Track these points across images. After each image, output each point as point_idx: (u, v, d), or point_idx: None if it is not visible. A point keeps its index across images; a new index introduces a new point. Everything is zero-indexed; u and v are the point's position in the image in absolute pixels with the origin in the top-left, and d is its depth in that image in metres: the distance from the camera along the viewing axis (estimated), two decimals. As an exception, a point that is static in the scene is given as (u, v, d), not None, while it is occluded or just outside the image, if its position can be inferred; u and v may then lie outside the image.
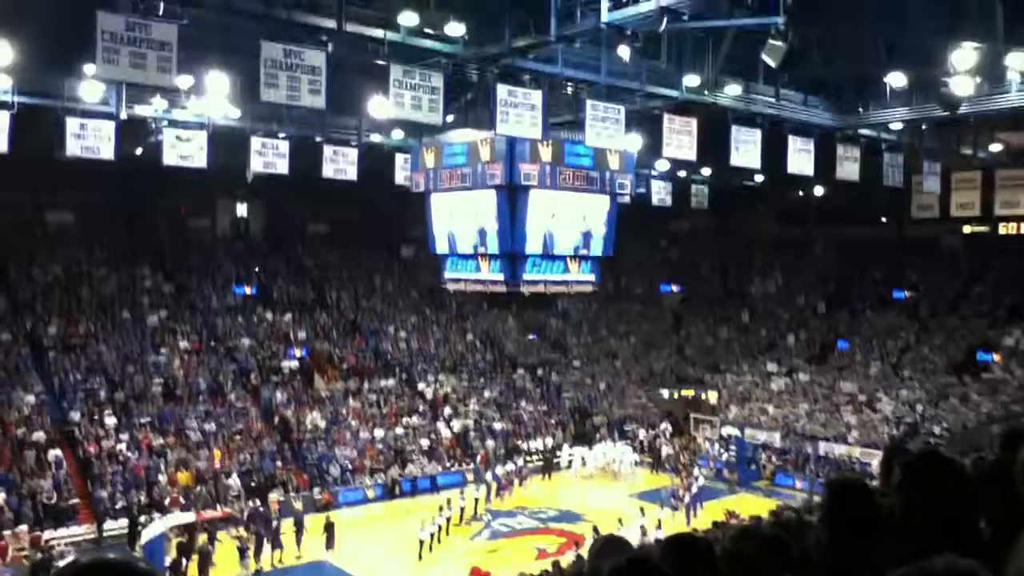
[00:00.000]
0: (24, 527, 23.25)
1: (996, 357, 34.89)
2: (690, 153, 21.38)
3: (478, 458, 33.14)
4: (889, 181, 26.25)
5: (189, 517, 24.96)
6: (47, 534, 23.50)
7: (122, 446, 27.96)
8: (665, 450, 35.34)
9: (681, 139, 20.96)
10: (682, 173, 33.25)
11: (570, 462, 34.13)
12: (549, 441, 35.56)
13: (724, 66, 21.29)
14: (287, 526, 24.39)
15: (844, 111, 24.54)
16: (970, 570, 1.76)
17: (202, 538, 23.32)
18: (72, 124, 20.38)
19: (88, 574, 1.20)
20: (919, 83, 21.64)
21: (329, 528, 24.28)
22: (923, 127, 25.28)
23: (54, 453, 26.75)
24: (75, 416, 28.71)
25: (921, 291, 41.03)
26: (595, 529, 23.37)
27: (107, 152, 20.86)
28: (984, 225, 39.29)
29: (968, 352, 35.86)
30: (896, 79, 21.88)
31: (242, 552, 22.41)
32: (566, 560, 19.45)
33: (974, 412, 31.85)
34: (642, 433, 36.86)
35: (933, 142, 26.81)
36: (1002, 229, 39.57)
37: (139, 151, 25.52)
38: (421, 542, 24.13)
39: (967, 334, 37.05)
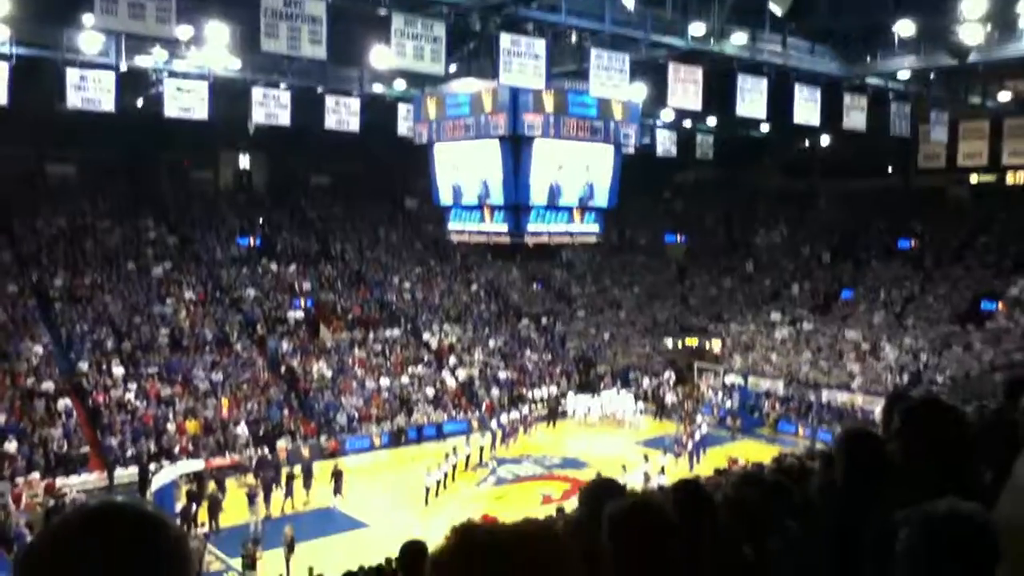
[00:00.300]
0: (36, 475, 23.65)
1: (1000, 306, 34.90)
2: (695, 103, 21.22)
3: (483, 406, 33.47)
4: (896, 131, 26.04)
5: (198, 465, 25.31)
6: (59, 481, 23.89)
7: (130, 395, 28.26)
8: (669, 398, 35.64)
9: (686, 88, 20.79)
10: (687, 123, 33.05)
11: (575, 411, 34.47)
12: (553, 390, 35.84)
13: (730, 14, 21.06)
14: (295, 473, 24.73)
15: (851, 60, 24.29)
16: (971, 514, 1.81)
17: (211, 486, 23.68)
18: (72, 75, 20.27)
19: (97, 518, 1.18)
20: (928, 31, 21.40)
21: (337, 475, 24.62)
22: (931, 76, 25.02)
23: (63, 403, 27.05)
24: (83, 366, 28.98)
25: (926, 241, 40.91)
26: (598, 475, 23.71)
27: (108, 104, 20.77)
28: (991, 175, 39.07)
29: (972, 301, 35.87)
30: (904, 27, 21.64)
31: (251, 498, 22.76)
32: (570, 506, 19.76)
33: (977, 361, 31.98)
34: (646, 382, 37.12)
35: (941, 91, 26.55)
36: (1009, 179, 39.35)
37: (140, 103, 25.41)
38: (427, 489, 24.48)
39: (972, 283, 37.02)
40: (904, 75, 24.99)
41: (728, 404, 34.32)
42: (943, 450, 2.81)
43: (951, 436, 2.84)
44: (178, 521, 20.45)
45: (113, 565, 1.14)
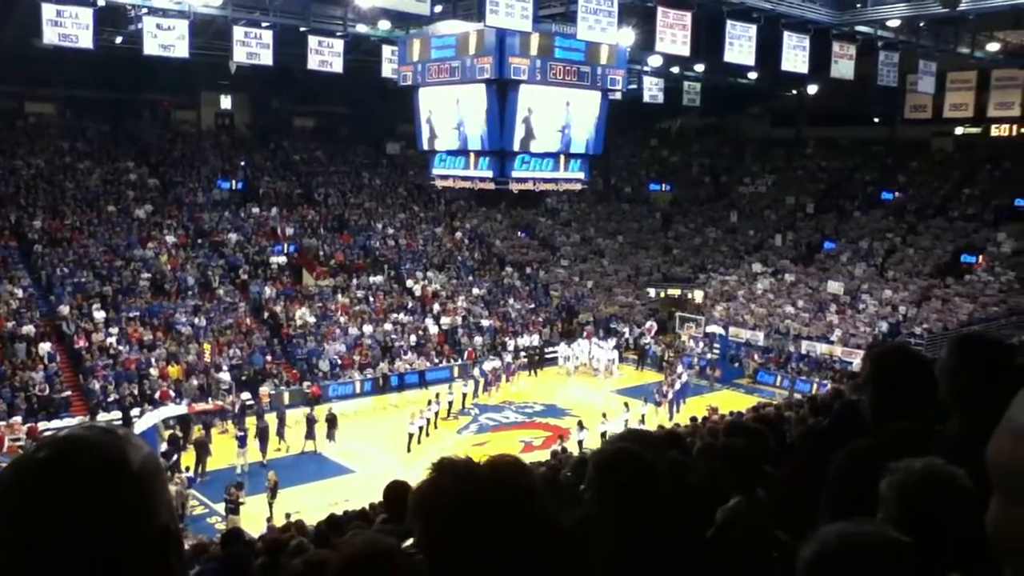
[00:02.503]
0: (18, 419, 23.59)
1: (980, 259, 35.15)
2: (683, 48, 21.00)
3: (465, 354, 33.57)
4: (883, 81, 25.92)
5: (181, 409, 25.32)
6: (41, 425, 23.84)
7: (112, 340, 28.12)
8: (651, 348, 35.85)
9: (675, 34, 20.56)
10: (675, 69, 32.71)
11: (567, 358, 34.62)
12: (536, 338, 35.96)
13: (721, -42, 20.73)
14: (270, 420, 24.73)
15: (842, 7, 24.04)
16: (948, 475, 1.84)
17: (198, 430, 23.72)
18: (48, 10, 19.77)
19: (62, 446, 1.17)
20: (919, -22, 21.17)
21: (331, 420, 24.76)
22: (921, 25, 24.84)
23: (44, 346, 26.90)
24: (64, 310, 28.75)
25: (910, 193, 41.01)
26: (579, 423, 23.95)
27: (86, 40, 20.30)
28: (976, 127, 39.07)
29: (953, 254, 36.11)
30: (896, -26, 21.40)
31: (241, 440, 22.83)
32: (547, 454, 19.98)
33: (955, 315, 32.27)
34: (627, 331, 37.29)
35: (930, 41, 26.38)
36: (994, 131, 39.37)
37: (119, 40, 24.87)
38: (410, 435, 24.64)
39: (953, 236, 37.24)
40: (894, 23, 24.79)
41: (708, 355, 34.56)
42: (906, 396, 2.82)
43: (914, 382, 2.85)
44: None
45: (79, 494, 1.12)
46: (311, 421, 24.69)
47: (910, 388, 2.83)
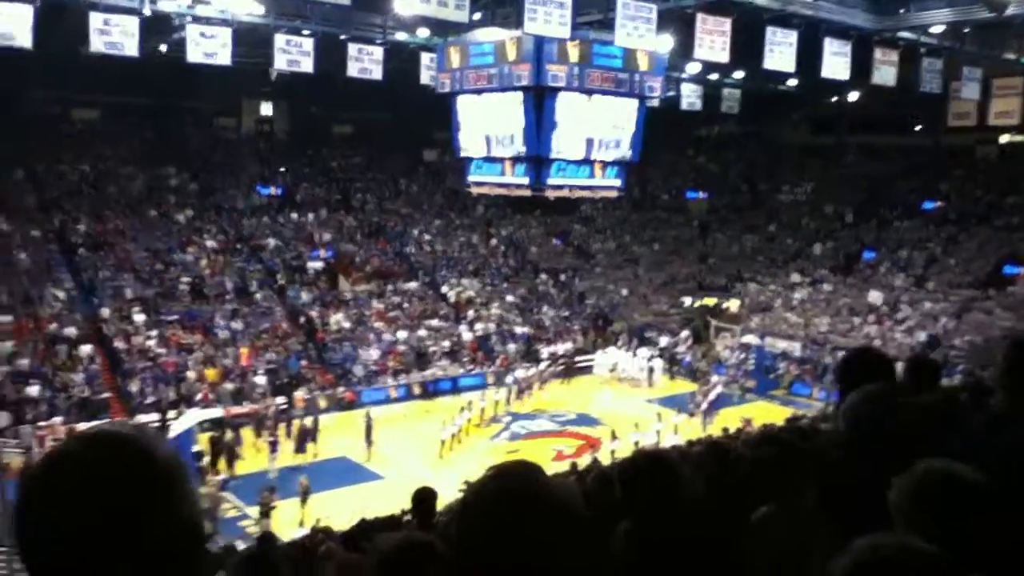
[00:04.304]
0: (58, 419, 23.93)
1: (1023, 270, 34.42)
2: (723, 55, 20.86)
3: (499, 361, 33.54)
4: (926, 87, 25.54)
5: (217, 412, 25.56)
6: (81, 426, 24.16)
7: (151, 342, 28.50)
8: (687, 358, 35.53)
9: (714, 40, 20.43)
10: (713, 76, 32.51)
11: (607, 366, 34.41)
12: (570, 346, 35.83)
13: (761, -36, 20.58)
14: (308, 422, 24.86)
15: (883, 13, 23.73)
16: (963, 474, 1.83)
17: (228, 433, 23.91)
18: (95, 19, 20.13)
19: (91, 443, 1.23)
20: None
21: (369, 425, 24.79)
22: (965, 30, 24.43)
23: (85, 348, 27.32)
24: (105, 312, 29.21)
25: (952, 202, 40.31)
26: (612, 433, 23.78)
27: (131, 48, 20.64)
28: (1022, 135, 38.31)
29: (996, 265, 35.40)
30: (940, -21, 21.09)
31: (273, 446, 22.95)
32: (582, 462, 19.85)
33: (996, 327, 31.59)
34: (663, 340, 37.00)
35: (975, 46, 25.92)
36: (1040, 139, 38.58)
37: (164, 48, 25.31)
38: (442, 442, 24.62)
39: (996, 247, 36.51)
40: (937, 29, 24.41)
41: (743, 365, 34.14)
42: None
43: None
44: (194, 467, 20.69)
45: (105, 487, 1.18)
46: (369, 425, 24.69)
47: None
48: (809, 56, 22.42)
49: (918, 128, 43.42)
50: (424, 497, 5.60)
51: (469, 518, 1.47)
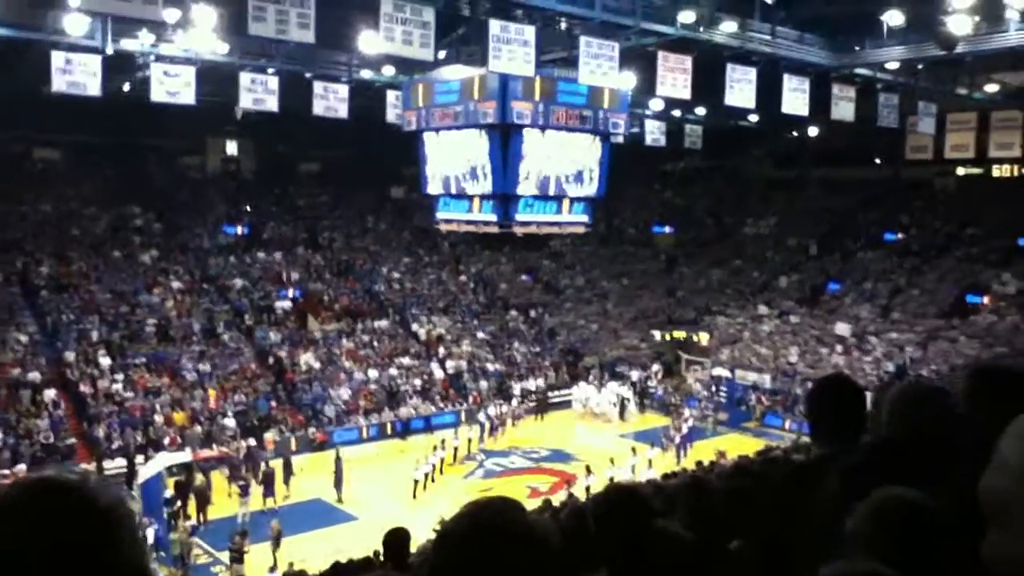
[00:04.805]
0: (22, 466, 23.39)
1: (986, 300, 35.04)
2: (684, 92, 21.19)
3: (471, 398, 33.41)
4: (884, 122, 26.09)
5: (185, 456, 25.11)
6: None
7: (117, 386, 28.06)
8: (659, 391, 35.62)
9: (675, 77, 20.76)
10: (676, 113, 32.99)
11: (580, 401, 34.41)
12: (541, 382, 35.80)
13: (720, 2, 21.01)
14: (276, 466, 24.54)
15: (840, 50, 24.29)
16: (916, 501, 1.87)
17: (199, 478, 23.49)
18: (57, 59, 19.98)
19: (30, 490, 1.25)
20: (916, 21, 21.43)
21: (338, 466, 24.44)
22: (919, 67, 25.06)
23: (49, 393, 26.82)
24: (69, 356, 28.74)
25: (913, 233, 41.04)
26: (587, 468, 23.71)
27: (94, 88, 20.50)
28: (978, 167, 39.21)
29: (958, 295, 35.99)
30: (893, 17, 21.66)
31: (243, 490, 22.52)
32: (557, 499, 19.75)
33: (962, 356, 32.07)
34: (634, 375, 37.09)
35: (929, 82, 26.59)
36: (996, 172, 39.53)
37: (127, 87, 25.19)
38: (415, 481, 24.42)
39: (959, 277, 37.15)
40: (893, 65, 25.01)
41: (715, 397, 34.31)
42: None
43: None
44: (164, 513, 20.31)
45: (42, 533, 1.20)
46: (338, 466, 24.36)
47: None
48: (769, 92, 22.85)
49: (878, 161, 44.30)
50: (397, 538, 5.54)
51: (445, 550, 1.47)
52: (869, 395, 3.58)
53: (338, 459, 24.63)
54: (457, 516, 1.51)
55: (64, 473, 1.30)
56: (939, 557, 1.77)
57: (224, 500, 22.95)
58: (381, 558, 9.71)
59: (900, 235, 41.06)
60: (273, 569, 17.32)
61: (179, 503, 21.54)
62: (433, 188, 22.76)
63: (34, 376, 27.26)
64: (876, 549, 1.78)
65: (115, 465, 25.08)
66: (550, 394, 35.12)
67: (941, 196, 42.31)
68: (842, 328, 35.71)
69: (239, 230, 39.83)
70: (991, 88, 28.46)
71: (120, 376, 28.53)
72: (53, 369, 28.26)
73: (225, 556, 19.17)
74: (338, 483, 24.18)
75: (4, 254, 33.10)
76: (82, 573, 1.19)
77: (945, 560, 1.76)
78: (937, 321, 34.88)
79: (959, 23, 18.95)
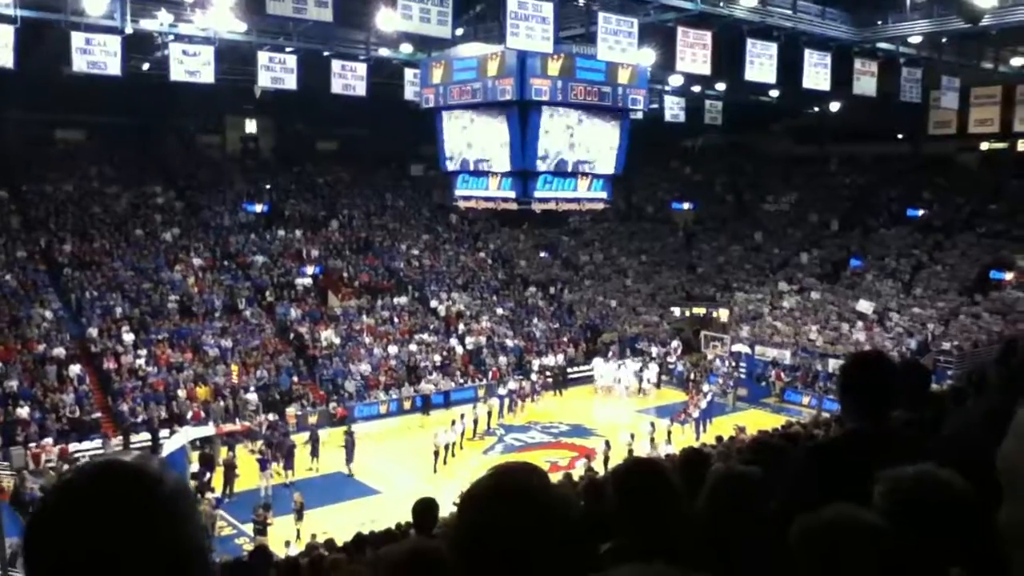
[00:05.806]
0: (49, 440, 23.88)
1: (1009, 276, 34.72)
2: (704, 67, 21.06)
3: (490, 374, 33.57)
4: (906, 97, 25.81)
5: (208, 430, 25.44)
6: (72, 447, 24.11)
7: (140, 362, 28.43)
8: (678, 367, 35.67)
9: (695, 53, 20.63)
10: (696, 88, 32.74)
11: (602, 376, 34.49)
12: (560, 358, 35.90)
13: (740, -23, 20.82)
14: (300, 440, 24.91)
15: (862, 24, 24.01)
16: (943, 479, 1.87)
17: (225, 451, 23.82)
18: (77, 39, 20.13)
19: (100, 474, 1.26)
20: (941, -6, 21.14)
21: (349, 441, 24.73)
22: (943, 40, 24.74)
23: (74, 368, 27.22)
24: (93, 332, 29.12)
25: (935, 209, 40.67)
26: (606, 443, 23.85)
27: (114, 68, 20.65)
28: (1002, 143, 38.73)
29: (981, 271, 35.69)
30: (917, -10, 21.38)
31: (262, 464, 22.87)
32: (576, 473, 19.89)
33: (985, 332, 31.87)
34: (654, 351, 37.10)
35: (952, 56, 26.25)
36: (1020, 146, 38.99)
37: (146, 67, 25.31)
38: (435, 453, 24.64)
39: (981, 253, 36.84)
40: (915, 40, 24.70)
41: (734, 373, 34.26)
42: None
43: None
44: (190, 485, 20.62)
45: (113, 517, 1.20)
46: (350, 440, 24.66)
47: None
48: (790, 67, 22.66)
49: (900, 137, 43.82)
50: (426, 506, 5.66)
51: (469, 511, 1.53)
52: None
53: (349, 433, 24.91)
54: (482, 479, 1.56)
55: (124, 455, 1.32)
56: (960, 531, 1.76)
57: (248, 473, 23.27)
58: (405, 528, 9.89)
59: (922, 211, 40.70)
60: (292, 541, 17.54)
61: (206, 476, 21.87)
62: (451, 165, 22.79)
63: (59, 352, 27.65)
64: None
65: (139, 439, 25.51)
66: (569, 370, 35.22)
67: (964, 172, 41.85)
68: (864, 306, 35.52)
69: (259, 208, 40.02)
70: (1016, 62, 28.05)
71: (143, 352, 28.89)
72: (77, 345, 28.64)
73: (249, 528, 19.48)
74: (349, 458, 24.48)
75: (28, 233, 33.51)
76: (149, 556, 1.20)
77: (965, 530, 1.76)
78: (959, 297, 34.64)
79: (984, -5, 18.71)
